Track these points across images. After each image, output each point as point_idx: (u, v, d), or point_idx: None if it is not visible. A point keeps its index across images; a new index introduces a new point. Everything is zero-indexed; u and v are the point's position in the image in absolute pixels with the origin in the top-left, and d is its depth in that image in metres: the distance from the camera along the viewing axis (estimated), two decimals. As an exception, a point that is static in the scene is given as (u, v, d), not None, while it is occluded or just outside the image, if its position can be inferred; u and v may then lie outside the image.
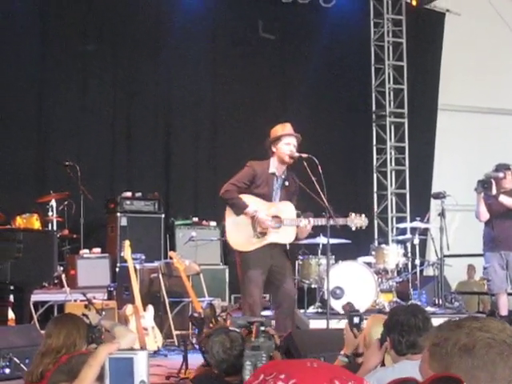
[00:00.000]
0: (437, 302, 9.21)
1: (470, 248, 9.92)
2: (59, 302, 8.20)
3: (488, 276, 8.02)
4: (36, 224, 8.24)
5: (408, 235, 9.70)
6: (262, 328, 3.43)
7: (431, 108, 12.52)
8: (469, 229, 10.00)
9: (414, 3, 12.23)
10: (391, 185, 12.28)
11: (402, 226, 10.67)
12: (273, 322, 6.04)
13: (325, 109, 11.83)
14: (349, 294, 8.31)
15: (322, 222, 6.48)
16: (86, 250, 9.17)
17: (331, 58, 11.83)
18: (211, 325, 6.55)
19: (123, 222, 9.47)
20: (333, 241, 7.38)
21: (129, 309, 7.24)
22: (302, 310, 8.51)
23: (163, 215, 9.82)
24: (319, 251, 8.78)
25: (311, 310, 8.62)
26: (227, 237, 6.51)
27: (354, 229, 6.65)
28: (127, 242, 7.67)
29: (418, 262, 9.39)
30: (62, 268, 8.59)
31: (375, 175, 12.27)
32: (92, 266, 8.99)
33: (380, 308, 8.56)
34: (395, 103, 12.34)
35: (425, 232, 9.94)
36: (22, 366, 5.19)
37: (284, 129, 6.55)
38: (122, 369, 1.80)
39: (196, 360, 5.89)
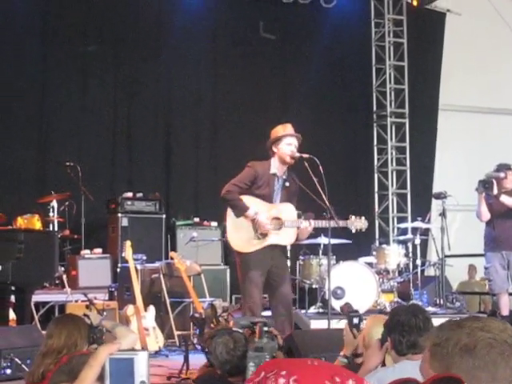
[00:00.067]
0: (438, 302, 9.20)
1: (471, 248, 9.91)
2: (60, 302, 8.20)
3: (489, 276, 8.01)
4: (37, 224, 8.24)
5: (409, 235, 9.70)
6: (265, 328, 3.43)
7: (432, 108, 12.52)
8: (470, 229, 10.00)
9: (414, 3, 12.23)
10: (392, 185, 12.28)
11: (403, 226, 10.66)
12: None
13: (325, 109, 11.83)
14: (350, 295, 8.31)
15: (322, 223, 6.49)
16: (87, 251, 9.16)
17: (332, 58, 11.83)
18: (212, 325, 6.56)
19: (124, 222, 9.47)
20: (334, 241, 7.38)
21: (130, 309, 7.24)
22: (303, 311, 8.50)
23: (164, 215, 9.82)
24: (320, 251, 8.78)
25: (312, 310, 8.61)
26: (228, 237, 6.51)
27: (354, 231, 6.66)
28: (128, 243, 7.67)
29: (419, 262, 9.39)
30: (63, 268, 8.60)
31: (376, 175, 12.27)
32: (93, 267, 8.99)
33: (381, 308, 8.55)
34: (396, 103, 12.34)
35: (426, 232, 9.93)
36: (23, 366, 5.20)
37: (285, 129, 6.55)
38: (123, 369, 1.81)
39: (197, 360, 5.90)
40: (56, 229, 8.87)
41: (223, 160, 10.83)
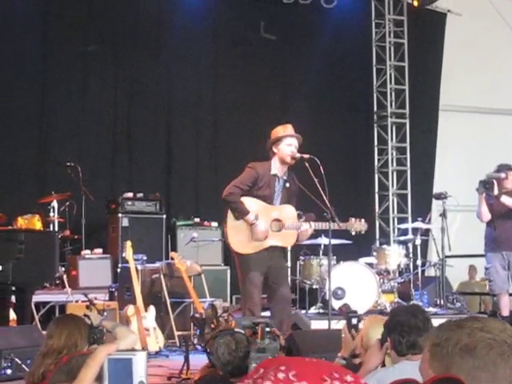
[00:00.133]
0: (438, 302, 9.20)
1: (472, 248, 9.91)
2: (61, 302, 8.20)
3: (490, 276, 8.01)
4: (37, 225, 8.24)
5: (409, 236, 9.71)
6: (267, 329, 3.43)
7: (432, 108, 12.52)
8: (470, 229, 9.99)
9: (415, 4, 12.22)
10: (392, 185, 12.27)
11: (403, 226, 10.66)
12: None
13: (326, 109, 11.83)
14: (350, 295, 8.32)
15: (322, 226, 6.49)
16: (88, 251, 9.17)
17: (332, 58, 11.83)
18: (212, 325, 6.56)
19: (125, 222, 9.47)
20: (334, 241, 7.38)
21: (130, 309, 7.24)
22: (303, 311, 8.50)
23: (164, 216, 9.82)
24: (321, 252, 8.78)
25: (313, 310, 8.61)
26: (228, 237, 6.51)
27: (353, 233, 6.68)
28: (129, 243, 7.67)
29: (419, 262, 9.40)
30: (63, 269, 8.60)
31: (376, 176, 12.27)
32: (93, 267, 8.99)
33: (381, 309, 8.55)
34: (396, 104, 12.34)
35: (426, 232, 9.93)
36: (23, 366, 5.20)
37: (285, 130, 6.55)
38: (121, 369, 1.81)
39: (197, 360, 5.90)
40: (56, 229, 8.87)
41: (223, 160, 10.83)
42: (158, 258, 8.67)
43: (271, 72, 11.65)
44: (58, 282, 8.66)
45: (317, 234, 7.58)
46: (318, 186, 6.29)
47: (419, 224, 9.53)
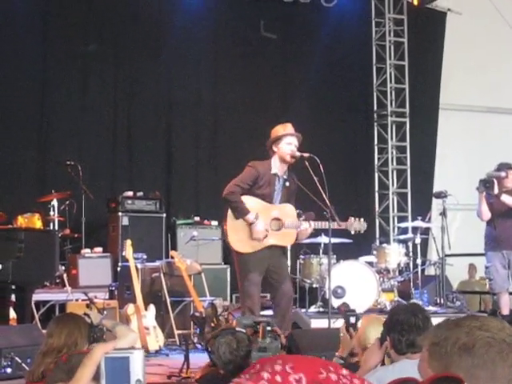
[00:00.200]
0: (438, 301, 9.21)
1: (472, 247, 9.91)
2: (61, 301, 8.20)
3: (490, 275, 8.02)
4: (37, 223, 8.23)
5: (409, 234, 9.71)
6: (269, 328, 3.43)
7: (432, 107, 12.52)
8: (470, 228, 10.00)
9: (415, 3, 12.22)
10: (392, 184, 12.27)
11: (403, 225, 10.66)
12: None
13: (326, 108, 11.83)
14: (350, 294, 8.32)
15: (322, 225, 6.50)
16: (88, 250, 9.17)
17: (332, 57, 11.82)
18: (212, 324, 6.56)
19: (125, 221, 9.47)
20: (334, 240, 7.38)
21: (130, 308, 7.24)
22: (303, 310, 8.51)
23: (164, 214, 9.82)
24: (320, 250, 8.78)
25: (313, 309, 8.62)
26: (227, 236, 6.51)
27: (352, 233, 6.68)
28: (129, 242, 7.67)
29: (419, 261, 9.41)
30: (63, 267, 8.60)
31: (376, 174, 12.27)
32: (93, 266, 8.99)
33: (381, 307, 8.56)
34: (396, 102, 12.34)
35: (426, 231, 9.94)
36: (23, 365, 5.20)
37: (285, 129, 6.55)
38: (118, 368, 1.81)
39: (197, 359, 5.91)
40: (56, 228, 8.87)
41: (223, 159, 10.84)
42: (157, 257, 8.67)
43: (271, 71, 11.64)
44: (58, 280, 8.66)
45: (317, 232, 7.59)
46: (318, 184, 6.30)
47: (419, 223, 9.53)
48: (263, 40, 11.39)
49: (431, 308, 8.78)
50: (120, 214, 9.48)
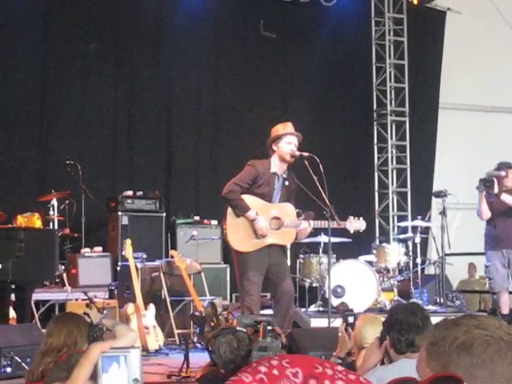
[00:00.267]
0: (438, 300, 9.21)
1: (471, 246, 9.91)
2: (60, 300, 8.21)
3: (489, 274, 8.02)
4: (37, 223, 8.23)
5: (409, 234, 9.71)
6: (269, 327, 3.43)
7: (432, 106, 12.52)
8: (470, 227, 10.00)
9: (415, 2, 12.21)
10: (392, 183, 12.28)
11: (403, 224, 10.67)
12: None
13: (326, 107, 11.83)
14: (350, 293, 8.32)
15: (321, 224, 6.50)
16: (88, 249, 9.17)
17: (332, 56, 11.83)
18: (212, 323, 6.56)
19: (124, 220, 9.47)
20: (334, 239, 7.39)
21: (130, 308, 7.25)
22: (303, 309, 8.51)
23: (164, 214, 9.82)
24: (320, 250, 8.79)
25: (312, 308, 8.62)
26: (227, 235, 6.50)
27: (352, 232, 6.68)
28: (128, 241, 7.68)
29: (419, 260, 9.41)
30: (63, 267, 8.59)
31: (376, 174, 12.27)
32: (93, 265, 8.99)
33: (381, 307, 8.57)
34: (396, 102, 12.34)
35: (426, 230, 9.94)
36: (23, 364, 5.20)
37: (285, 128, 6.55)
38: (115, 367, 1.81)
39: (197, 359, 5.92)
40: (56, 227, 8.87)
41: (223, 159, 10.84)
42: (157, 256, 8.67)
43: (271, 70, 11.63)
44: (57, 280, 8.65)
45: (316, 232, 7.59)
46: (318, 184, 6.30)
47: (419, 222, 9.54)
48: (263, 39, 11.39)
49: (431, 307, 8.79)
50: (120, 213, 9.48)
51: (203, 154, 11.12)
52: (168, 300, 7.80)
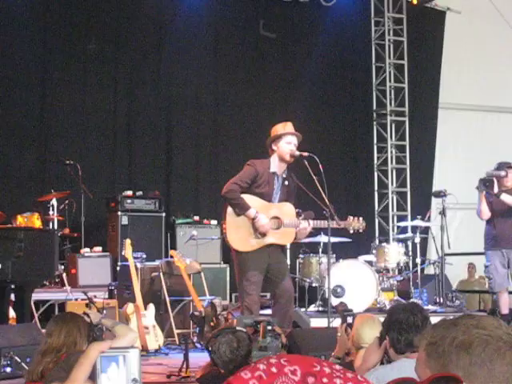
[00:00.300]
0: (438, 300, 9.20)
1: (471, 246, 9.92)
2: (60, 300, 8.21)
3: (489, 274, 8.02)
4: (37, 223, 8.24)
5: (409, 234, 9.71)
6: (269, 327, 3.42)
7: (432, 106, 12.52)
8: (470, 227, 10.01)
9: (414, 1, 12.20)
10: (392, 183, 12.28)
11: (402, 224, 10.67)
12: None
13: (325, 107, 11.84)
14: (350, 293, 8.32)
15: (321, 224, 6.49)
16: (87, 249, 9.17)
17: (332, 56, 11.83)
18: (212, 323, 6.57)
19: (124, 220, 9.48)
20: (334, 239, 7.39)
21: (130, 307, 7.25)
22: (302, 309, 8.51)
23: (164, 214, 9.82)
24: (320, 250, 8.79)
25: (312, 308, 8.62)
26: (227, 235, 6.50)
27: (351, 232, 6.68)
28: (128, 241, 7.68)
29: (418, 260, 9.40)
30: (62, 267, 8.60)
31: (376, 174, 12.27)
32: (93, 265, 8.99)
33: (381, 307, 8.57)
34: (396, 102, 12.34)
35: (426, 230, 9.94)
36: (22, 364, 5.21)
37: (285, 127, 6.55)
38: (114, 367, 1.80)
39: (197, 359, 5.92)
40: (56, 227, 8.88)
41: (223, 159, 10.84)
42: (157, 256, 8.68)
43: (271, 70, 11.64)
44: (57, 280, 8.66)
45: (316, 232, 7.59)
46: (317, 184, 6.30)
47: (419, 222, 9.53)
48: (262, 39, 11.39)
49: (431, 307, 8.79)
50: (119, 213, 9.48)
51: (203, 154, 11.12)
52: (168, 300, 7.81)
